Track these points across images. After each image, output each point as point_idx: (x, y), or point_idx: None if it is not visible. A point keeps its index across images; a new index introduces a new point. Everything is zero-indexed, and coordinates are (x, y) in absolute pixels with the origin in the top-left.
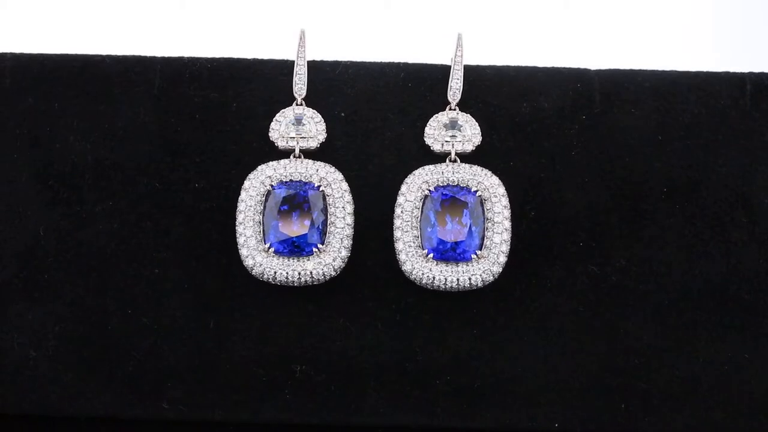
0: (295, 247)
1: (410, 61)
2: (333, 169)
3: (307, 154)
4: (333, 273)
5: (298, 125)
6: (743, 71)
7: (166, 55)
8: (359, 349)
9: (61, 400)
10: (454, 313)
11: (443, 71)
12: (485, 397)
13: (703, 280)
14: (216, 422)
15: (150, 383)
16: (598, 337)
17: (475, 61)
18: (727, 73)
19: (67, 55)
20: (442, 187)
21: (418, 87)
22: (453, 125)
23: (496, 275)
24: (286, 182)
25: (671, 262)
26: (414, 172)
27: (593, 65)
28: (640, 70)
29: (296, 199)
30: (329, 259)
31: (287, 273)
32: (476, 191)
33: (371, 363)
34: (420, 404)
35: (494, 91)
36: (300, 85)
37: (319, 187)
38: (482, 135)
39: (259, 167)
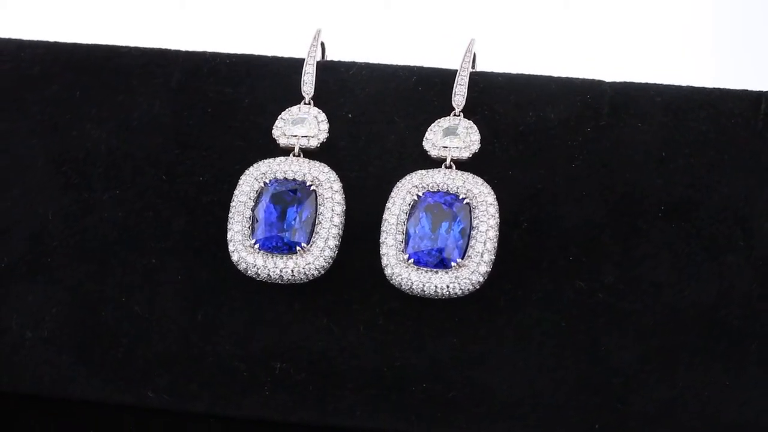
0: (282, 245)
1: (441, 66)
2: (327, 168)
3: (310, 153)
4: (315, 273)
5: (300, 124)
6: (762, 90)
7: (194, 49)
8: (340, 350)
9: (53, 382)
10: (437, 320)
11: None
12: (459, 407)
13: (692, 303)
14: (198, 414)
15: (137, 371)
16: (578, 354)
17: (492, 68)
18: (744, 91)
19: (97, 45)
20: (432, 192)
21: (428, 91)
22: (452, 131)
23: (477, 285)
24: (280, 179)
25: (661, 282)
26: (405, 176)
27: (618, 78)
28: (654, 84)
29: (287, 197)
30: (311, 258)
31: (269, 270)
32: (464, 198)
33: (350, 365)
34: (395, 409)
35: (502, 99)
36: (308, 84)
37: (310, 186)
38: (484, 143)
39: (256, 163)
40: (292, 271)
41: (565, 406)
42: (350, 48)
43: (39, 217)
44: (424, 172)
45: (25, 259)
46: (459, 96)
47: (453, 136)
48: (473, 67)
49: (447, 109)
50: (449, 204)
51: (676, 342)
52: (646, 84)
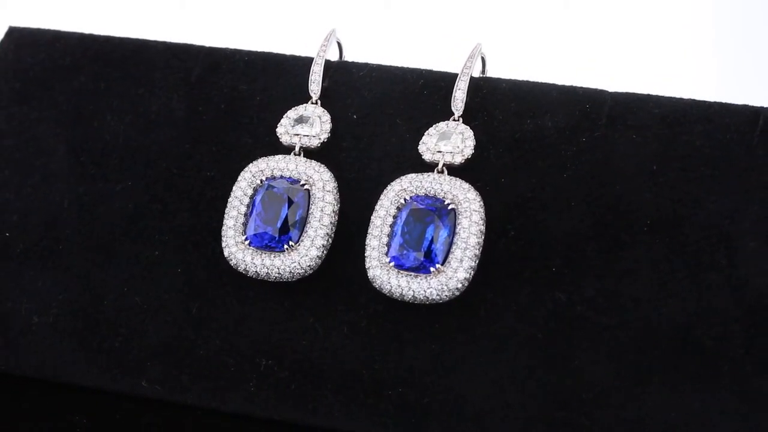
0: (272, 242)
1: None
2: (323, 168)
3: (311, 152)
4: (301, 272)
5: (303, 123)
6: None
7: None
8: (322, 350)
9: (56, 367)
10: (418, 326)
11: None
12: (431, 414)
13: (668, 321)
14: (187, 406)
15: (133, 360)
16: (550, 367)
17: (504, 73)
18: (744, 106)
19: (127, 38)
20: (420, 197)
21: (433, 95)
22: (447, 136)
23: (455, 291)
24: (276, 177)
25: (640, 297)
26: (396, 179)
27: (628, 87)
28: (656, 96)
29: (281, 195)
30: (297, 257)
31: (257, 267)
32: (449, 204)
33: (331, 366)
34: (371, 413)
35: (503, 105)
36: (315, 83)
37: (304, 185)
38: (481, 149)
39: (256, 160)
40: (279, 269)
41: (533, 419)
42: (372, 49)
43: (56, 205)
44: (413, 175)
45: (40, 245)
46: (458, 101)
47: (447, 140)
48: (483, 72)
49: (449, 113)
50: (435, 209)
51: (649, 360)
52: (648, 95)
